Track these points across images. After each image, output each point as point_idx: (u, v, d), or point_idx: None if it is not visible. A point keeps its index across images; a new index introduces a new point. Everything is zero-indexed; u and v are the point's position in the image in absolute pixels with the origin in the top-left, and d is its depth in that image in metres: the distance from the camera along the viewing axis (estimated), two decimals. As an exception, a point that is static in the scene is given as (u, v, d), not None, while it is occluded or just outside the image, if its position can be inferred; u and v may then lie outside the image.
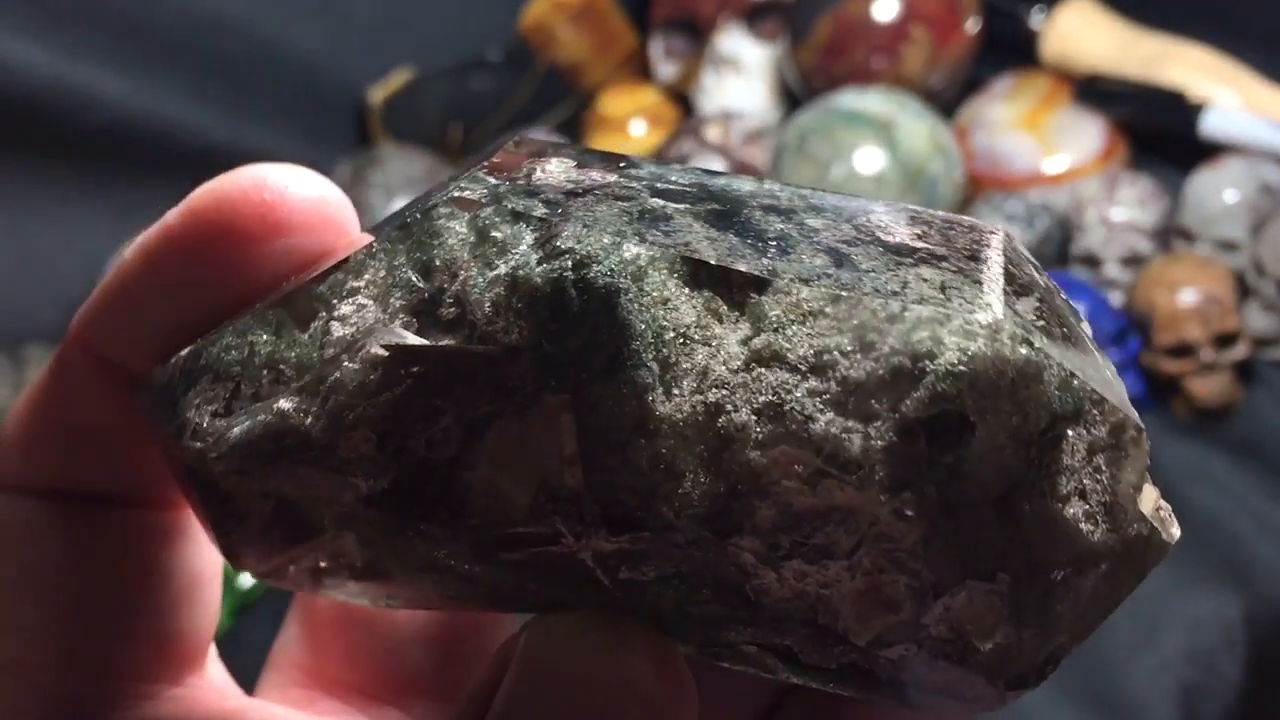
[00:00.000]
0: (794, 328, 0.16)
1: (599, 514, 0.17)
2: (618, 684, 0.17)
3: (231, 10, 0.94)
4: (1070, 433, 0.16)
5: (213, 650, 0.22)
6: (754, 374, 0.16)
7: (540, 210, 0.17)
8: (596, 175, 0.18)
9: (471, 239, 0.17)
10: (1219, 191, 0.81)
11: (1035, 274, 0.18)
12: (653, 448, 0.16)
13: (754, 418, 0.16)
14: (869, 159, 0.85)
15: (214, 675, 0.22)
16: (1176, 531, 0.18)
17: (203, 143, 0.94)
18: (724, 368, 0.16)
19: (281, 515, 0.18)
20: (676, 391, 0.16)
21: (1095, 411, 0.17)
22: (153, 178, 0.93)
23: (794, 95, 1.00)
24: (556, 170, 0.18)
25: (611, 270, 0.16)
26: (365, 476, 0.17)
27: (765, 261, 0.17)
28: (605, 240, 0.17)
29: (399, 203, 0.96)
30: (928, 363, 0.16)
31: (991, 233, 0.18)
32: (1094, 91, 0.90)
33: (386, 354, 0.17)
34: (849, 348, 0.16)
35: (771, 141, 0.92)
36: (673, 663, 0.18)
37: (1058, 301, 0.18)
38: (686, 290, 0.17)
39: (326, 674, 0.23)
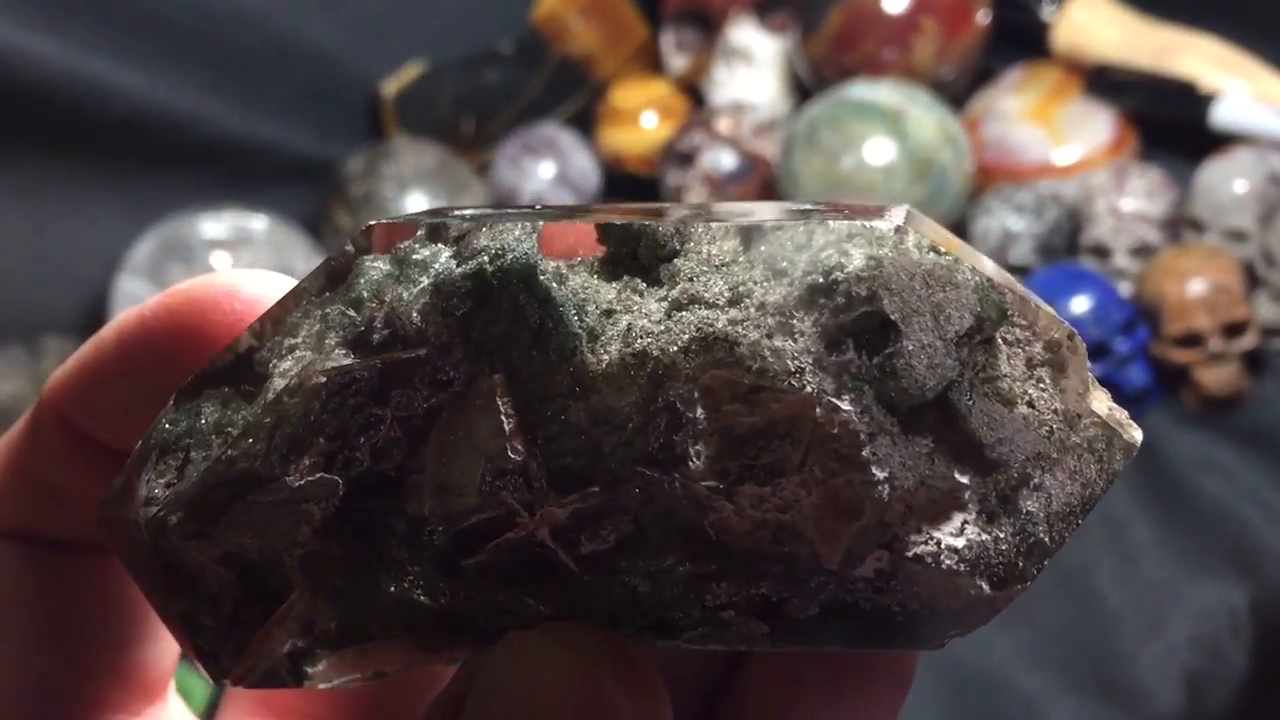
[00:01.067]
0: (708, 276, 0.17)
1: (546, 479, 0.17)
2: (588, 706, 0.17)
3: (245, 3, 0.94)
4: (1000, 338, 0.17)
5: (173, 683, 0.23)
6: (675, 319, 0.17)
7: (456, 228, 0.18)
8: (510, 210, 0.20)
9: (395, 271, 0.18)
10: (1228, 182, 0.82)
11: (948, 234, 0.19)
12: (589, 404, 0.17)
13: (682, 354, 0.17)
14: (879, 150, 0.85)
15: (174, 707, 0.23)
16: (1138, 434, 0.18)
17: (217, 134, 0.94)
18: (646, 320, 0.17)
19: (247, 582, 0.18)
20: (604, 352, 0.17)
21: (1027, 332, 0.18)
22: (167, 170, 0.94)
23: (805, 87, 1.00)
24: (469, 211, 0.20)
25: (526, 253, 0.17)
26: (317, 500, 0.18)
27: (672, 226, 0.18)
28: (517, 231, 0.18)
29: (412, 196, 0.96)
30: (839, 273, 0.17)
31: (897, 205, 0.19)
32: (1104, 82, 0.90)
33: (325, 380, 0.18)
34: (762, 278, 0.17)
35: (782, 133, 0.92)
36: (644, 679, 0.18)
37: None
38: (605, 281, 0.18)
39: (280, 701, 0.24)
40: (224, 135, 0.95)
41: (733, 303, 0.17)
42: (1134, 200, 0.83)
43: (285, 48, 0.97)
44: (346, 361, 0.18)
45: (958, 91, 0.96)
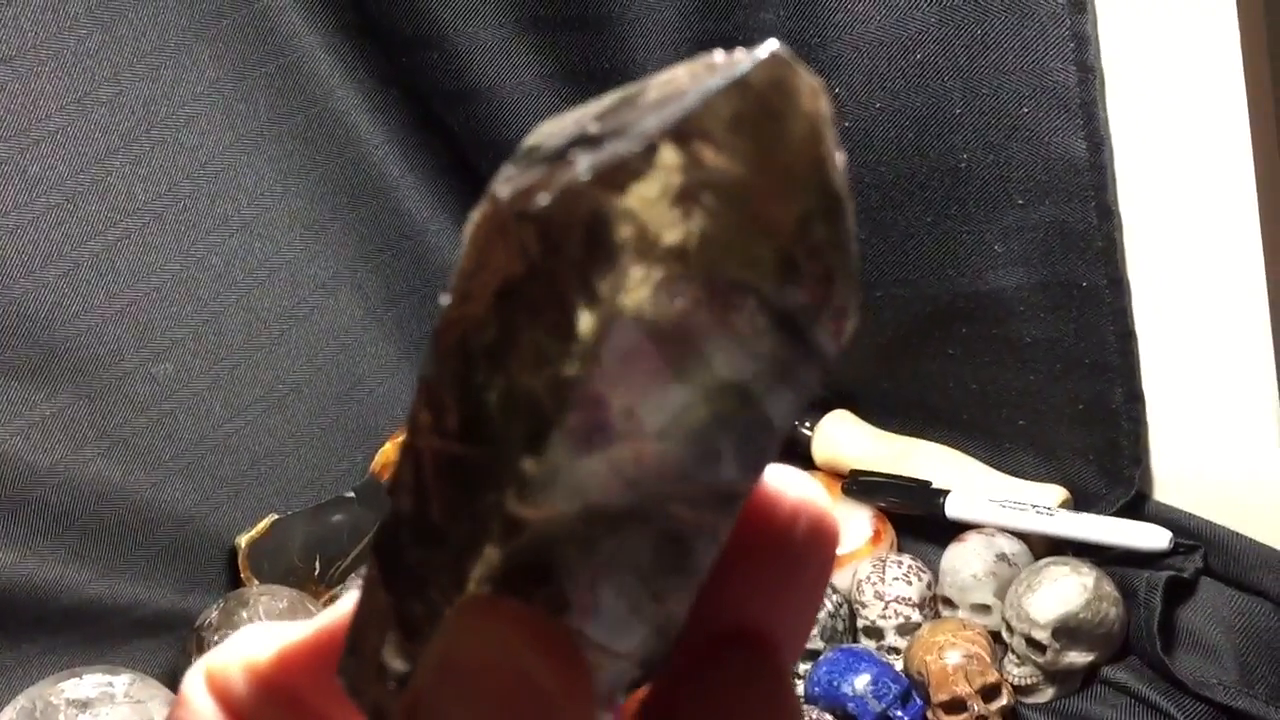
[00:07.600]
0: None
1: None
2: (513, 676, 0.17)
3: (111, 477, 1.04)
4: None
5: None
6: None
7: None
8: None
9: None
10: (967, 564, 0.97)
11: None
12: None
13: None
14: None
15: None
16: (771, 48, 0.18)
17: (80, 599, 1.02)
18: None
19: None
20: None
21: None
22: (34, 636, 1.00)
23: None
24: None
25: None
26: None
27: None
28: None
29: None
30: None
31: None
32: (859, 485, 1.07)
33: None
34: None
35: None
36: (567, 654, 0.18)
37: None
38: None
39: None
40: (87, 598, 1.02)
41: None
42: (895, 585, 0.98)
43: (147, 513, 1.07)
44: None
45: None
